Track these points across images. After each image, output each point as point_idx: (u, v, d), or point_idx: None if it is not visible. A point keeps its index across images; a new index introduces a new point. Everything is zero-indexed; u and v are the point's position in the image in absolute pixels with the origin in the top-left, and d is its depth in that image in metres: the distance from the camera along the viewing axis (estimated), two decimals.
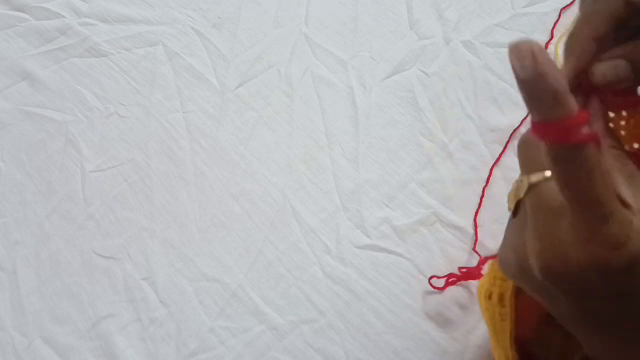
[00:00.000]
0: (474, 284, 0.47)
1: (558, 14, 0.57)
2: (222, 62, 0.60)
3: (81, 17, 0.64)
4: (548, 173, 0.26)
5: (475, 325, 0.46)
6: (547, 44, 0.56)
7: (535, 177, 0.26)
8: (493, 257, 0.46)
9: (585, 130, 0.22)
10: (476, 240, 0.49)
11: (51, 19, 0.64)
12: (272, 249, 0.51)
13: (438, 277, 0.47)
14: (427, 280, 0.48)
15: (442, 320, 0.47)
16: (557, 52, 0.55)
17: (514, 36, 0.57)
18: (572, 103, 0.22)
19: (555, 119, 0.22)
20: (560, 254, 0.25)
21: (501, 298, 0.34)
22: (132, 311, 0.50)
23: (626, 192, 0.24)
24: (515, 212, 0.28)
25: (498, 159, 0.52)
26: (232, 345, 0.48)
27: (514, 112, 0.54)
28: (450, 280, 0.47)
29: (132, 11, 0.64)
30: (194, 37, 0.62)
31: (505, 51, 0.57)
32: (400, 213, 0.51)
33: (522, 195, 0.27)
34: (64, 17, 0.64)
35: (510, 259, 0.28)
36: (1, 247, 0.54)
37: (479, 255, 0.48)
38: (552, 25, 0.57)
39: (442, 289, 0.47)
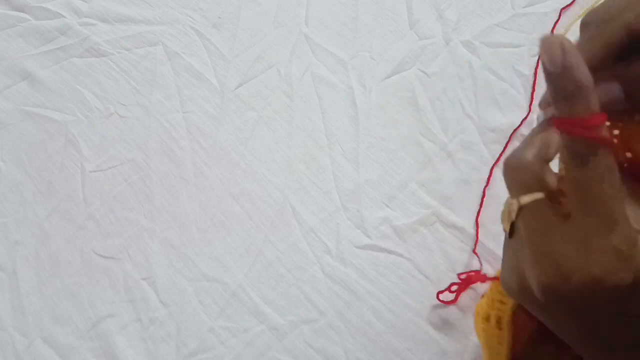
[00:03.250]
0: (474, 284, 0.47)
1: (558, 14, 0.57)
2: (222, 62, 0.60)
3: (81, 17, 0.64)
4: (538, 194, 0.26)
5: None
6: None
7: (525, 199, 0.26)
8: (496, 278, 0.45)
9: (603, 131, 0.23)
10: (477, 241, 0.49)
11: (51, 19, 0.64)
12: (272, 249, 0.51)
13: (442, 292, 0.47)
14: (427, 280, 0.48)
15: (442, 321, 0.47)
16: None
17: (514, 36, 0.57)
18: (595, 101, 0.22)
19: (579, 113, 0.23)
20: (560, 272, 0.24)
21: (499, 321, 0.33)
22: (132, 311, 0.50)
23: (630, 214, 0.24)
24: (511, 232, 0.28)
25: (498, 159, 0.52)
26: (232, 345, 0.48)
27: (514, 112, 0.54)
28: (454, 289, 0.46)
29: (132, 11, 0.64)
30: (194, 37, 0.62)
31: (505, 51, 0.57)
32: (400, 213, 0.51)
33: (514, 217, 0.27)
34: (64, 17, 0.64)
35: (512, 281, 0.27)
36: (1, 247, 0.54)
37: (478, 257, 0.48)
38: (552, 25, 0.57)
39: (454, 302, 0.47)
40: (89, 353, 0.49)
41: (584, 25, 0.29)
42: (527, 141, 0.27)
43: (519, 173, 0.26)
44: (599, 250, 0.23)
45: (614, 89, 0.27)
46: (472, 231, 0.50)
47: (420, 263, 0.49)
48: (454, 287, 0.46)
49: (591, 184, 0.23)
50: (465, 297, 0.47)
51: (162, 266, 0.51)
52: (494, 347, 0.34)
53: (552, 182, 0.26)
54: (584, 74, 0.22)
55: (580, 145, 0.23)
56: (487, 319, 0.35)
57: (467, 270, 0.48)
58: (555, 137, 0.26)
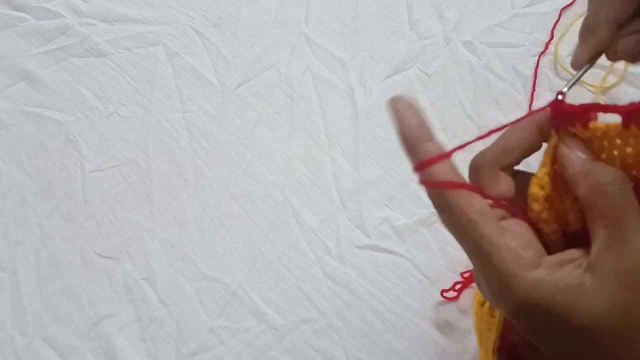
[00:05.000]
0: (474, 285, 0.47)
1: (558, 14, 0.57)
2: (222, 62, 0.60)
3: (81, 17, 0.64)
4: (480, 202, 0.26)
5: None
6: (547, 44, 0.56)
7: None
8: None
9: (439, 175, 0.23)
10: None
11: (51, 19, 0.64)
12: (272, 249, 0.51)
13: (447, 291, 0.47)
14: (427, 280, 0.48)
15: (442, 321, 0.47)
16: (557, 52, 0.55)
17: (514, 36, 0.57)
18: (425, 151, 0.24)
19: (413, 165, 0.25)
20: (481, 287, 0.25)
21: (492, 308, 0.33)
22: (132, 311, 0.50)
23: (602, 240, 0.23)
24: None
25: None
26: (232, 345, 0.48)
27: (514, 112, 0.54)
28: (458, 288, 0.46)
29: (132, 11, 0.64)
30: (194, 37, 0.62)
31: (505, 51, 0.57)
32: (400, 213, 0.51)
33: None
34: (64, 17, 0.64)
35: (478, 285, 0.27)
36: (1, 247, 0.54)
37: None
38: (552, 25, 0.57)
39: (456, 298, 0.47)
40: (89, 353, 0.49)
41: None
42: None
43: (472, 175, 0.27)
44: (485, 279, 0.24)
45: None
46: None
47: (420, 263, 0.49)
48: (458, 286, 0.46)
49: (448, 225, 0.24)
50: (466, 297, 0.47)
51: (162, 266, 0.51)
52: (484, 332, 0.34)
53: (502, 190, 0.26)
54: (410, 130, 0.24)
55: (429, 193, 0.24)
56: (482, 304, 0.35)
57: (468, 269, 0.48)
58: (520, 138, 0.26)
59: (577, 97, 0.53)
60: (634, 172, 0.25)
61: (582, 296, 0.22)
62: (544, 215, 0.25)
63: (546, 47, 0.56)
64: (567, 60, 0.55)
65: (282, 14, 0.62)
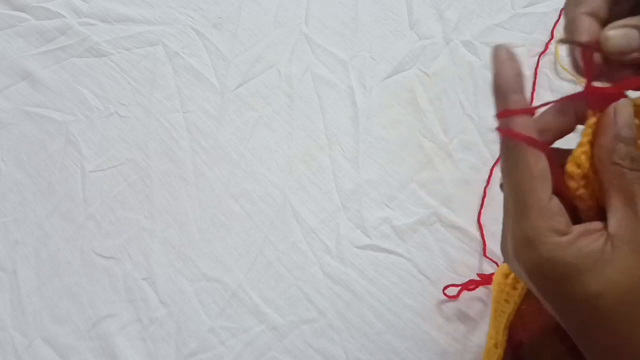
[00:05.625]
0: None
1: (558, 14, 0.57)
2: (222, 62, 0.60)
3: (81, 17, 0.64)
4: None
5: (476, 326, 0.46)
6: (547, 44, 0.56)
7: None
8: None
9: (518, 127, 0.25)
10: (484, 245, 0.49)
11: (51, 19, 0.64)
12: (272, 249, 0.51)
13: (454, 286, 0.46)
14: (427, 280, 0.48)
15: (442, 321, 0.47)
16: (557, 52, 0.55)
17: (514, 36, 0.57)
18: (512, 102, 0.25)
19: (497, 111, 0.26)
20: (505, 247, 0.27)
21: (516, 281, 0.33)
22: (132, 311, 0.50)
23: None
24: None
25: (498, 159, 0.52)
26: (232, 345, 0.48)
27: None
28: (470, 287, 0.46)
29: (132, 11, 0.64)
30: (194, 37, 0.62)
31: None
32: (400, 213, 0.51)
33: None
34: (64, 17, 0.64)
35: (503, 246, 0.29)
36: (1, 247, 0.54)
37: (491, 260, 0.48)
38: (552, 25, 0.57)
39: (456, 297, 0.47)
40: (89, 353, 0.49)
41: None
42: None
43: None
44: (514, 232, 0.25)
45: (632, 36, 0.27)
46: (472, 231, 0.50)
47: (420, 263, 0.49)
48: (471, 286, 0.46)
49: (507, 172, 0.26)
50: (467, 298, 0.47)
51: (162, 266, 0.51)
52: (501, 304, 0.34)
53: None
54: (504, 80, 0.26)
55: (501, 138, 0.26)
56: (506, 275, 0.35)
57: (467, 269, 0.48)
58: (556, 122, 0.28)
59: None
60: None
61: (601, 262, 0.23)
62: (580, 192, 0.26)
63: (546, 47, 0.56)
64: (567, 60, 0.55)
65: (282, 14, 0.62)
